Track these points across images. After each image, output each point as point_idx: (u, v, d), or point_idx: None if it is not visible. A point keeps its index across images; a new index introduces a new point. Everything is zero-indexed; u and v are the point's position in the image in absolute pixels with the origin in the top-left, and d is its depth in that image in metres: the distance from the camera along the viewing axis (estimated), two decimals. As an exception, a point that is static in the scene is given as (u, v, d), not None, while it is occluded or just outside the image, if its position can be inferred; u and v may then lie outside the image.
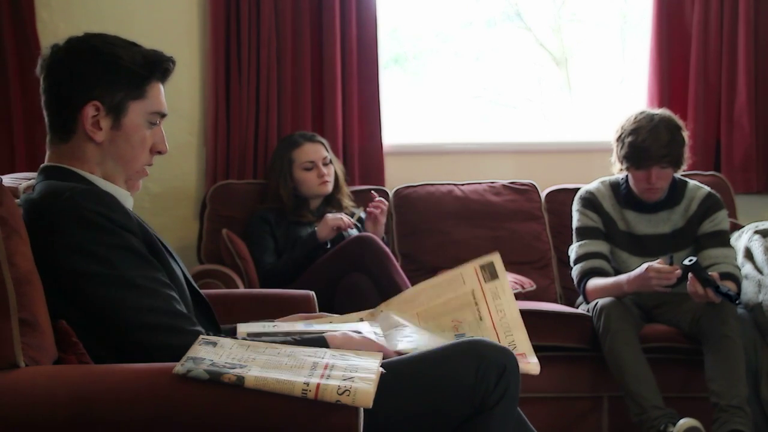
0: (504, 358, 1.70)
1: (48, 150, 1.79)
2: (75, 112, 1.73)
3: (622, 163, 3.28)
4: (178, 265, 1.83)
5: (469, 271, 2.04)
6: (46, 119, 1.78)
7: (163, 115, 1.82)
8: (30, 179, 1.96)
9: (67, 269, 1.62)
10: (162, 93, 1.82)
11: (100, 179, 1.77)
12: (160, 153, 1.84)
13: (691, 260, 2.97)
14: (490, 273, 2.03)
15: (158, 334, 1.63)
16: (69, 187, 1.68)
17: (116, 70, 1.74)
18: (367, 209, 3.55)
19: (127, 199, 1.80)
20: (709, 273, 2.98)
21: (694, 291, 2.97)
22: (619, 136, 3.27)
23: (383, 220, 3.55)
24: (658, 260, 3.05)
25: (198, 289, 1.89)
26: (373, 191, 3.65)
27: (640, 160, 3.20)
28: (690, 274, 2.97)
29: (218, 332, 1.85)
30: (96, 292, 1.62)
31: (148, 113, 1.78)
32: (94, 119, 1.73)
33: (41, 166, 1.80)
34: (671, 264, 3.01)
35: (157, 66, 1.78)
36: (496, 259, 2.05)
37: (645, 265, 3.04)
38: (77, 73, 1.73)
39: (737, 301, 3.02)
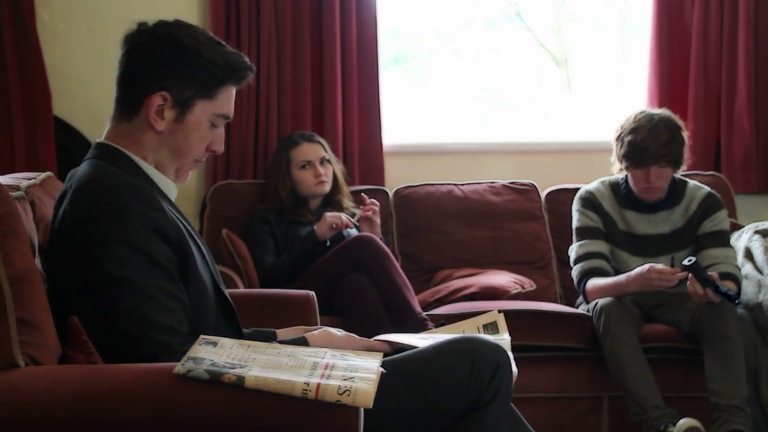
0: (497, 356, 1.71)
1: (108, 124, 1.80)
2: (143, 97, 1.73)
3: (621, 162, 3.28)
4: (208, 267, 1.81)
5: (471, 328, 2.02)
6: (114, 92, 1.79)
7: (228, 119, 1.82)
8: (31, 179, 1.96)
9: (86, 256, 1.62)
10: (233, 97, 1.81)
11: (150, 167, 1.77)
12: (214, 153, 1.83)
13: (690, 260, 2.97)
14: (492, 331, 2.01)
15: (145, 346, 1.61)
16: (113, 175, 1.68)
17: (193, 67, 1.74)
18: (361, 214, 3.54)
19: (171, 190, 1.81)
20: (709, 273, 2.98)
21: (694, 291, 2.97)
22: (619, 136, 3.27)
23: (378, 221, 3.55)
24: (661, 262, 3.05)
25: (225, 292, 1.87)
26: (363, 194, 3.63)
27: (639, 159, 3.20)
28: (690, 275, 2.97)
29: (240, 337, 1.84)
30: (101, 287, 1.62)
31: (213, 114, 1.78)
32: (159, 108, 1.74)
33: (96, 141, 1.80)
34: (673, 265, 3.01)
35: (236, 72, 1.79)
36: (499, 318, 2.01)
37: (647, 266, 3.04)
38: (155, 61, 1.74)
39: (737, 301, 3.02)
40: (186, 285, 1.70)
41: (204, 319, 1.74)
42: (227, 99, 1.80)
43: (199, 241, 1.79)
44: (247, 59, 1.82)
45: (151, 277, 1.63)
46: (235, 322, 1.88)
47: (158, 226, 1.66)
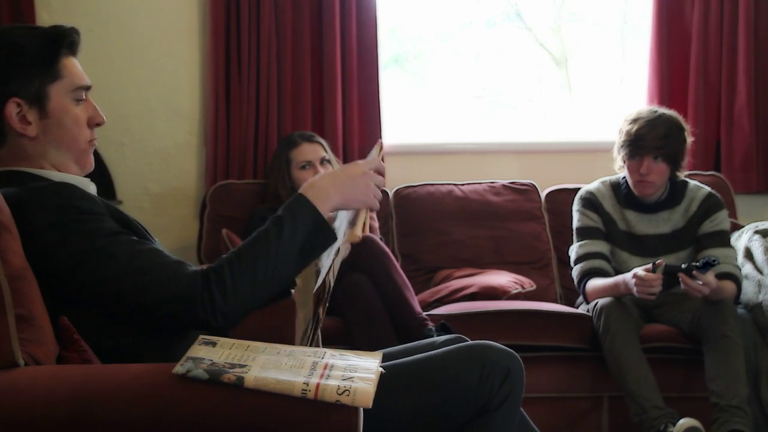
0: (509, 362, 1.71)
1: None
2: None
3: (619, 154, 3.29)
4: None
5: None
6: None
7: (87, 88, 1.76)
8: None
9: (52, 269, 1.59)
10: (77, 65, 1.75)
11: (54, 171, 1.72)
12: (98, 125, 1.78)
13: (663, 266, 2.97)
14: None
15: (159, 289, 1.58)
16: (26, 189, 1.63)
17: (22, 60, 1.68)
18: None
19: (88, 185, 1.76)
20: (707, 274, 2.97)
21: (687, 287, 2.97)
22: (621, 127, 3.28)
23: (375, 224, 3.56)
24: (644, 266, 3.03)
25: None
26: None
27: (634, 149, 3.21)
28: (680, 276, 2.96)
29: None
30: (86, 278, 1.58)
31: (70, 91, 1.73)
32: (20, 115, 1.68)
33: None
34: (654, 270, 3.00)
35: (61, 42, 1.72)
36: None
37: (631, 272, 3.04)
38: None
39: (714, 261, 2.96)
40: None
41: None
42: (73, 70, 1.73)
43: (138, 221, 1.76)
44: (65, 25, 1.74)
45: (118, 244, 1.60)
46: None
47: (92, 209, 1.62)
